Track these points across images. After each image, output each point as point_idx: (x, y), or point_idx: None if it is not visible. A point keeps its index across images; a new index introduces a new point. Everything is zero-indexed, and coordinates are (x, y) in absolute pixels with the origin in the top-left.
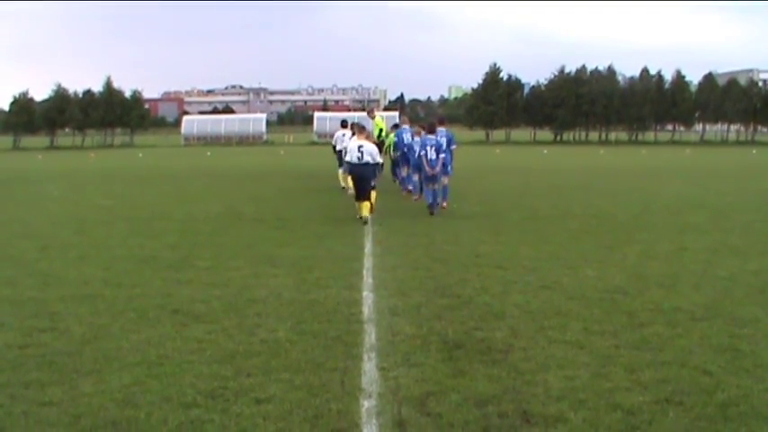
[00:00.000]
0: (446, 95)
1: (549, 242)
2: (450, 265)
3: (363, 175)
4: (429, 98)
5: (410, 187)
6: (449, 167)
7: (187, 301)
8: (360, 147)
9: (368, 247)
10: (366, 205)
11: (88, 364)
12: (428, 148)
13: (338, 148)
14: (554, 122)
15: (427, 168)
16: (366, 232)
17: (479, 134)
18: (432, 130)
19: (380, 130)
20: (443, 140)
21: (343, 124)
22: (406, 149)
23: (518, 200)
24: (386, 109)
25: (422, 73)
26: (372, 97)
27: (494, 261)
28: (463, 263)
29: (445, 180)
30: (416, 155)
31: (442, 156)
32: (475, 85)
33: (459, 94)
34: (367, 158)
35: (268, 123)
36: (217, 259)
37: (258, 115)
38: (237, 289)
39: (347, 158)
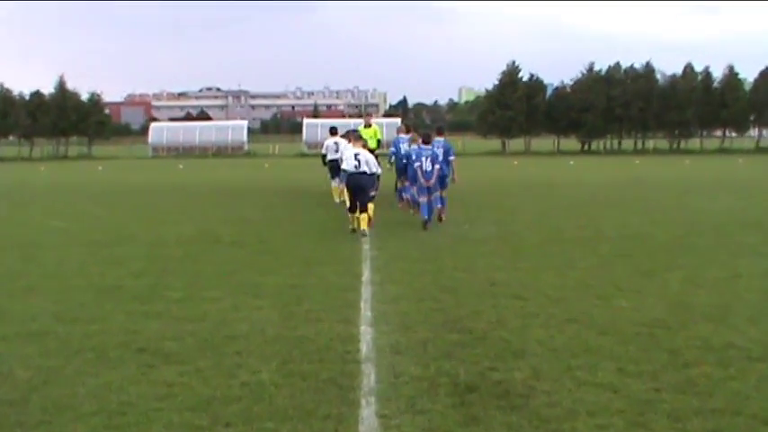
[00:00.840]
0: (456, 99)
1: (576, 268)
2: (461, 294)
3: (360, 185)
4: (436, 102)
5: (407, 196)
6: (446, 180)
7: (155, 338)
8: (357, 155)
9: (366, 274)
10: (363, 217)
11: (35, 415)
12: (423, 159)
13: (329, 157)
14: (581, 129)
15: (422, 180)
16: (364, 257)
17: (494, 143)
18: (427, 141)
19: (378, 141)
20: (440, 151)
21: (333, 131)
22: (404, 160)
23: (540, 219)
24: (386, 115)
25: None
26: (371, 101)
27: (512, 290)
28: (476, 292)
29: (443, 192)
30: (413, 166)
31: (437, 167)
32: (489, 87)
33: (471, 98)
34: (364, 168)
35: (250, 131)
36: (190, 289)
37: (238, 122)
38: (214, 324)
39: (343, 166)
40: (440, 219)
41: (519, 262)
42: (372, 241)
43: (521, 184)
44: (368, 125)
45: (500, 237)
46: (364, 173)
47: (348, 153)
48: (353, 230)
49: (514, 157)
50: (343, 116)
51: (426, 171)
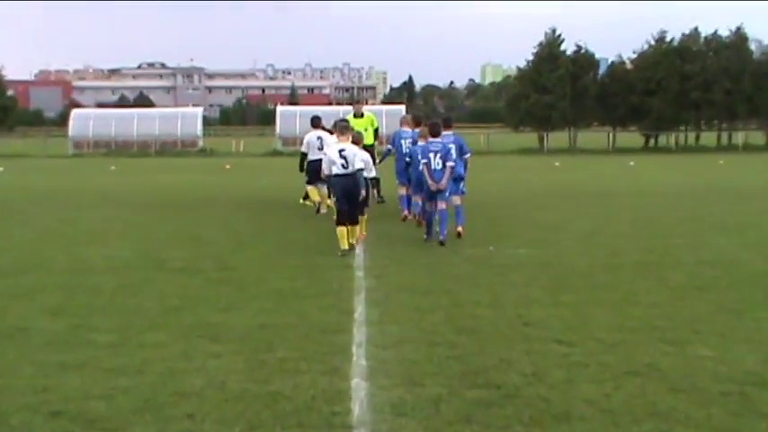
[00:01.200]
0: (478, 80)
1: (637, 303)
2: (484, 338)
3: (349, 190)
4: (452, 84)
5: (406, 211)
6: (461, 184)
7: (76, 398)
8: (341, 151)
9: (359, 310)
10: (353, 231)
11: None
12: (431, 155)
13: (311, 156)
14: (645, 118)
15: (429, 182)
16: (357, 288)
17: (528, 138)
18: (436, 132)
19: (376, 131)
20: (452, 147)
21: (315, 123)
22: (408, 160)
23: (589, 239)
24: (386, 102)
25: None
26: (365, 83)
27: (552, 332)
28: (505, 334)
29: (457, 200)
30: (419, 166)
31: (450, 165)
32: (522, 64)
33: (499, 78)
34: (354, 166)
35: (206, 122)
36: (125, 331)
37: (190, 109)
38: (158, 377)
39: (326, 171)
40: (458, 235)
41: (561, 295)
42: (368, 266)
43: (564, 191)
44: (358, 114)
45: (537, 261)
46: (354, 174)
47: (332, 150)
48: (344, 253)
49: (555, 156)
50: (330, 102)
51: (435, 171)
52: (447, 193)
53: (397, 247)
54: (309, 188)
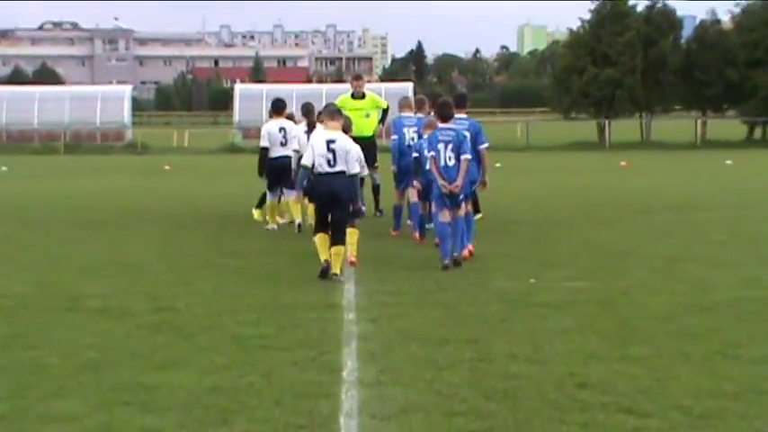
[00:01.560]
0: (513, 47)
1: (739, 358)
2: (522, 405)
3: (336, 195)
4: (477, 53)
5: (411, 230)
6: (475, 185)
7: None
8: (330, 142)
9: (349, 366)
10: (339, 251)
11: None
12: (440, 146)
13: (274, 154)
14: (749, 100)
15: (440, 181)
16: (346, 336)
17: (583, 128)
18: (447, 116)
19: (385, 112)
20: (466, 134)
21: (277, 108)
22: (415, 155)
23: (669, 268)
24: (386, 78)
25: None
26: (357, 52)
27: (617, 397)
28: (552, 401)
29: (468, 208)
30: (426, 162)
31: (465, 158)
32: (575, 26)
33: (542, 45)
34: (341, 165)
35: (137, 106)
36: (20, 397)
37: (114, 88)
38: None
39: (306, 162)
40: (468, 254)
41: (630, 346)
42: (360, 305)
43: (633, 202)
44: (359, 95)
45: (595, 299)
46: (342, 173)
47: (318, 140)
48: (324, 273)
49: (621, 152)
50: (309, 79)
51: (446, 167)
52: (462, 197)
53: (401, 278)
54: (270, 198)
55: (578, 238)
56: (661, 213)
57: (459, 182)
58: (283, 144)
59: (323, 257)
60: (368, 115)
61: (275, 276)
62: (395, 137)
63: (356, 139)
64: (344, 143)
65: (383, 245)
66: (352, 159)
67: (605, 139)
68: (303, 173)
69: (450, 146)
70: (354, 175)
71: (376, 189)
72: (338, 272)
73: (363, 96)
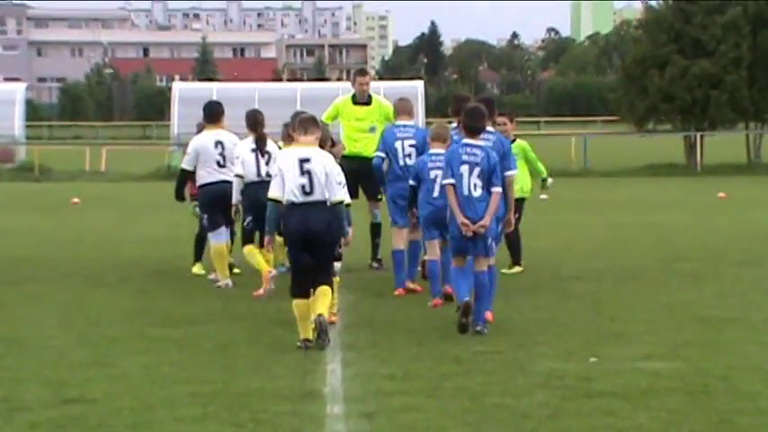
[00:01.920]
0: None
1: None
2: None
3: (315, 233)
4: (514, 38)
5: (400, 288)
6: (499, 226)
7: None
8: (304, 162)
9: None
10: (325, 291)
11: None
12: (464, 170)
13: (206, 179)
14: None
15: (460, 219)
16: None
17: (667, 143)
18: (474, 129)
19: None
20: (494, 155)
21: (212, 115)
22: (412, 183)
23: None
24: (386, 76)
25: None
26: (346, 37)
27: None
28: None
29: (490, 261)
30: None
31: (496, 190)
32: (653, 1)
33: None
34: (320, 193)
35: (33, 112)
36: None
37: (3, 86)
38: None
39: (276, 193)
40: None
41: None
42: (350, 393)
43: (734, 249)
44: (363, 99)
45: (681, 387)
46: (321, 203)
47: (287, 162)
48: (307, 344)
49: (719, 179)
50: (278, 77)
51: (470, 198)
52: (490, 241)
53: (407, 355)
54: (215, 242)
55: (658, 299)
56: None
57: (486, 220)
58: (221, 165)
59: (303, 334)
60: (373, 129)
61: (229, 353)
62: (380, 153)
63: (355, 160)
64: (323, 162)
65: (382, 308)
66: (333, 183)
67: (696, 161)
68: (273, 208)
69: (476, 169)
70: (340, 203)
71: (376, 230)
72: (323, 312)
73: (369, 101)
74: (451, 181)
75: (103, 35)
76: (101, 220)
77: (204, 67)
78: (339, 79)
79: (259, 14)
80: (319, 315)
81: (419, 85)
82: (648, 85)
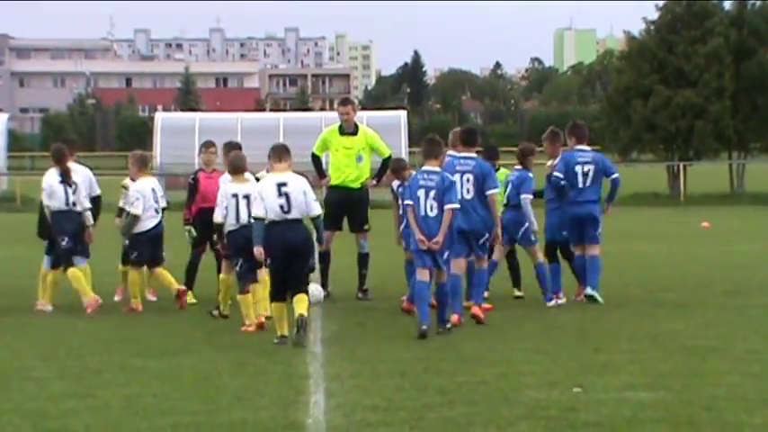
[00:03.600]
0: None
1: None
2: None
3: (294, 247)
4: (498, 68)
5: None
6: (489, 236)
7: None
8: (281, 186)
9: None
10: (302, 298)
11: None
12: (420, 193)
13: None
14: None
15: (417, 234)
16: None
17: (649, 173)
18: (432, 155)
19: (385, 162)
20: (448, 178)
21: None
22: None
23: None
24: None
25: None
26: (329, 67)
27: None
28: None
29: (459, 265)
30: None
31: (449, 208)
32: (636, 29)
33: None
34: (297, 212)
35: (14, 142)
36: None
37: None
38: None
39: (259, 213)
40: (478, 314)
41: None
42: (334, 423)
43: (718, 279)
44: (349, 129)
45: (666, 417)
46: (298, 222)
47: (267, 187)
48: (283, 340)
49: (702, 209)
50: (261, 106)
51: (426, 217)
52: (445, 255)
53: (391, 386)
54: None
55: (642, 329)
56: (758, 295)
57: (438, 237)
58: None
59: (281, 331)
60: (360, 158)
61: (212, 383)
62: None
63: (342, 190)
64: (300, 184)
65: (366, 338)
66: (311, 202)
67: (679, 190)
68: (259, 225)
69: (431, 193)
70: (318, 217)
71: (363, 260)
72: (304, 313)
73: (356, 131)
74: (410, 202)
75: (86, 65)
76: None
77: (187, 97)
78: (322, 109)
79: (242, 44)
80: (301, 315)
81: (402, 114)
82: (632, 115)
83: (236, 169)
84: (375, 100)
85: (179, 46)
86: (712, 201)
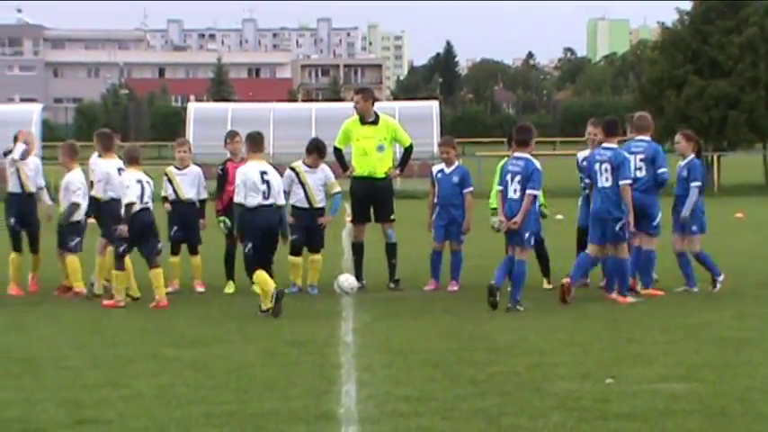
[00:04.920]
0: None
1: None
2: None
3: (273, 229)
4: (530, 57)
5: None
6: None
7: None
8: (264, 174)
9: None
10: (271, 281)
11: None
12: (508, 177)
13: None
14: None
15: (500, 216)
16: None
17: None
18: (521, 142)
19: (407, 150)
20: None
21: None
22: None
23: None
24: (401, 95)
25: None
26: (362, 57)
27: None
28: None
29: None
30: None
31: (528, 194)
32: (669, 20)
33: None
34: (273, 198)
35: (49, 132)
36: None
37: (17, 107)
38: None
39: (241, 199)
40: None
41: None
42: (365, 413)
43: (752, 270)
44: (368, 119)
45: (699, 409)
46: (273, 207)
47: (250, 173)
48: (264, 311)
49: (736, 198)
50: (293, 96)
51: (510, 199)
52: (526, 235)
53: (424, 376)
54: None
55: (675, 319)
56: None
57: (518, 218)
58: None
59: (266, 305)
60: (381, 147)
61: (244, 373)
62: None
63: (366, 181)
64: (275, 173)
65: (398, 329)
66: (281, 191)
67: (713, 181)
68: (240, 211)
69: (517, 178)
70: (281, 207)
71: (391, 250)
72: (276, 285)
73: (376, 120)
74: (500, 188)
75: (119, 56)
76: None
77: (219, 88)
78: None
79: (275, 35)
80: (277, 288)
81: (434, 105)
82: (665, 106)
83: (132, 159)
84: (407, 90)
85: (212, 36)
86: (746, 191)
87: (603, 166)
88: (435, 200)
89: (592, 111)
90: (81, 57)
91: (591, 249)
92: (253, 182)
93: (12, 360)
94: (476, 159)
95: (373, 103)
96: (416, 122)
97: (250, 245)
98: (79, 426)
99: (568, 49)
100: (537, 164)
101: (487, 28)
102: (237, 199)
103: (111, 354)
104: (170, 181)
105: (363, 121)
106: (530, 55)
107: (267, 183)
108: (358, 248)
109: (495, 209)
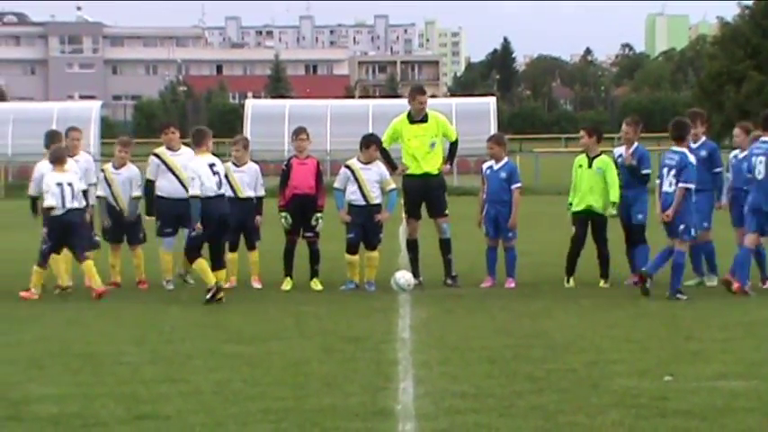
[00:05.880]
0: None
1: None
2: None
3: (227, 218)
4: (588, 53)
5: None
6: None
7: None
8: (212, 166)
9: None
10: (223, 275)
11: None
12: (664, 170)
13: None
14: None
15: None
16: None
17: None
18: (678, 137)
19: (453, 144)
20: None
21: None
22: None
23: None
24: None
25: None
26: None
27: None
28: None
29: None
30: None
31: (680, 187)
32: (730, 14)
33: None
34: (223, 189)
35: (108, 130)
36: None
37: (77, 104)
38: None
39: (197, 191)
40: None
41: None
42: (422, 410)
43: None
44: (418, 117)
45: (760, 407)
46: (224, 197)
47: (200, 167)
48: (215, 295)
49: None
50: (350, 93)
51: (665, 192)
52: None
53: (481, 372)
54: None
55: (734, 317)
56: None
57: (669, 211)
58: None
59: (209, 283)
60: (433, 144)
61: (301, 370)
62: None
63: (419, 178)
64: (221, 165)
65: (454, 325)
66: (224, 181)
67: None
68: (197, 204)
69: (672, 171)
70: (221, 196)
71: (446, 246)
72: (222, 280)
73: (426, 119)
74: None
75: (178, 53)
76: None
77: (277, 85)
78: None
79: (332, 32)
80: (217, 283)
81: (491, 101)
82: (724, 101)
83: (58, 159)
84: (464, 87)
85: (269, 33)
86: None
87: (758, 159)
88: (484, 196)
89: (650, 107)
90: (139, 54)
91: (750, 240)
92: (198, 170)
93: (71, 355)
94: (533, 156)
95: (422, 99)
96: (473, 119)
97: (200, 232)
98: (137, 421)
99: (626, 45)
100: (692, 158)
101: (544, 24)
102: (193, 191)
103: (170, 350)
104: (227, 178)
105: (413, 120)
106: (587, 51)
107: (218, 174)
108: (412, 246)
109: (571, 204)
